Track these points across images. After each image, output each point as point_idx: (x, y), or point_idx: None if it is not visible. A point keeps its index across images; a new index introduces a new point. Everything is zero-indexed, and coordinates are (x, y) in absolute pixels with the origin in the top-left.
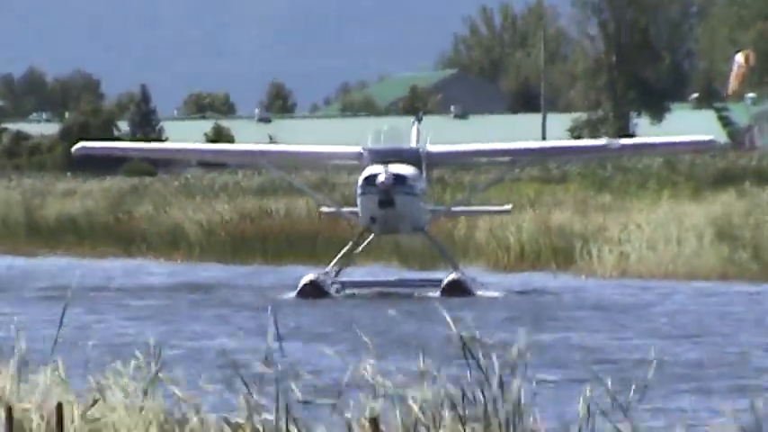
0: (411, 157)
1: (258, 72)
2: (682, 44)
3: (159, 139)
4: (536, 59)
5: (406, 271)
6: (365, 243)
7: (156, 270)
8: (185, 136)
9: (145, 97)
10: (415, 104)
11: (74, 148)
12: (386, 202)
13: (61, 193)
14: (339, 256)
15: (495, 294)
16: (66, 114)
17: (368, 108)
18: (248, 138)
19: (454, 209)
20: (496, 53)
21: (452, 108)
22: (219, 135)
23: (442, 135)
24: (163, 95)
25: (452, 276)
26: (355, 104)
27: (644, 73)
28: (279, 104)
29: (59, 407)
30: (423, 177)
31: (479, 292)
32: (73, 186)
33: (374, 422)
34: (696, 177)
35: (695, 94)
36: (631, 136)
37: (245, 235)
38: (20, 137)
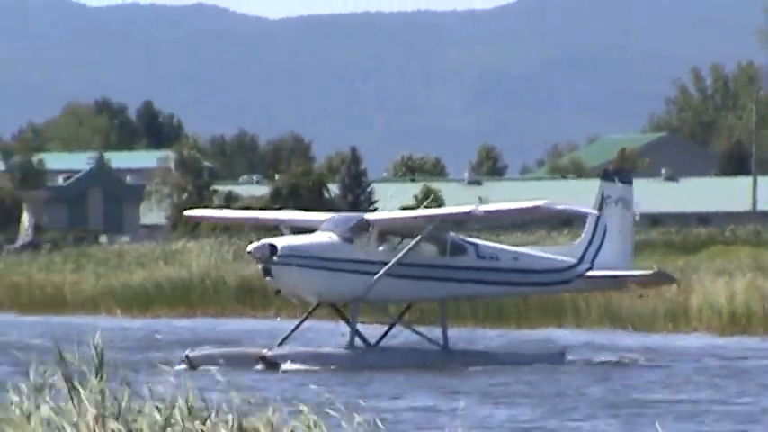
0: (357, 224)
1: (466, 131)
2: None
3: (369, 201)
4: (747, 121)
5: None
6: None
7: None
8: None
9: (355, 159)
10: (623, 167)
11: (185, 214)
12: (263, 271)
13: None
14: (292, 329)
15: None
16: (277, 176)
17: (577, 170)
18: (458, 200)
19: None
20: (707, 115)
21: (663, 171)
22: (429, 197)
23: (652, 198)
24: (370, 153)
25: (264, 351)
26: (564, 167)
27: None
28: (489, 166)
29: None
30: (358, 245)
31: (288, 366)
32: None
33: None
34: None
35: None
36: None
37: None
38: (230, 198)
